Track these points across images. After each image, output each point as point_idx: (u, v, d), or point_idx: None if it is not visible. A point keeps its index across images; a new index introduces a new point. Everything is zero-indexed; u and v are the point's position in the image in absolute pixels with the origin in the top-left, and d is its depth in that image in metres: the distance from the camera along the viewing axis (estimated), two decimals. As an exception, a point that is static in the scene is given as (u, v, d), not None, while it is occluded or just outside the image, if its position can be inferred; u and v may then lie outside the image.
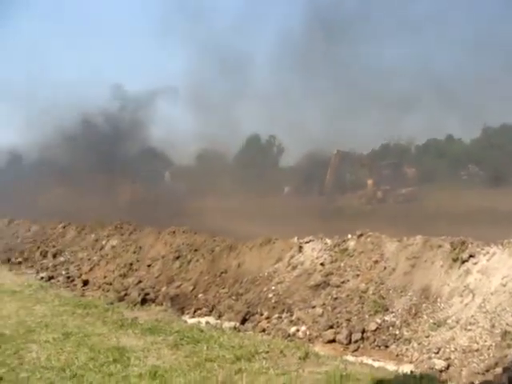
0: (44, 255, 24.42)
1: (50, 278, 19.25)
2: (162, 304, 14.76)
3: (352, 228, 14.86)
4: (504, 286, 9.81)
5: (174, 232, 19.28)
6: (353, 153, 55.83)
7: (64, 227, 27.48)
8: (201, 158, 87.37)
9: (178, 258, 17.34)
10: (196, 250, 17.16)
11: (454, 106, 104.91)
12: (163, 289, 15.96)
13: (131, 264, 18.76)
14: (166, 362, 8.19)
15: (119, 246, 20.65)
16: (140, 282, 16.95)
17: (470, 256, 10.96)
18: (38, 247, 26.05)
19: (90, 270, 19.72)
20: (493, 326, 9.23)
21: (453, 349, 9.36)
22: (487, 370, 8.35)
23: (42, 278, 18.98)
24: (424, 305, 10.91)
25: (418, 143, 79.35)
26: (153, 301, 15.20)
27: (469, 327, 9.55)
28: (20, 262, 24.41)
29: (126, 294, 15.69)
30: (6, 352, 8.90)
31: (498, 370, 8.22)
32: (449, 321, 10.10)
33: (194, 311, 14.21)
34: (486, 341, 9.08)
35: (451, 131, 78.75)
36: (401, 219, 29.62)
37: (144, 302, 14.91)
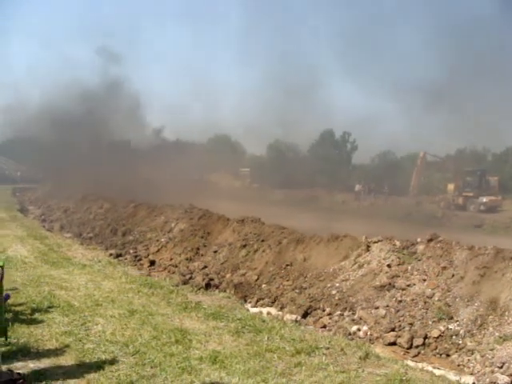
0: (114, 233, 25.07)
1: (119, 255, 19.71)
2: (225, 290, 14.90)
3: (424, 231, 14.62)
4: None
5: (242, 220, 19.40)
6: (437, 156, 54.87)
7: (135, 207, 28.08)
8: (272, 148, 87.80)
9: (244, 246, 17.45)
10: (263, 241, 17.22)
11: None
12: (227, 276, 16.11)
13: (198, 248, 19.01)
14: (226, 348, 8.25)
15: (187, 230, 20.91)
16: (205, 267, 17.16)
17: (544, 270, 10.62)
18: (109, 224, 26.75)
19: (158, 251, 20.08)
20: (562, 345, 8.93)
21: (518, 364, 9.09)
22: (554, 389, 8.07)
23: (110, 254, 19.43)
24: (491, 317, 10.62)
25: (496, 151, 77.23)
26: (217, 286, 15.37)
27: (537, 344, 9.25)
28: (91, 238, 25.14)
29: (190, 278, 15.94)
30: (74, 322, 9.16)
31: None
32: (516, 335, 9.81)
33: (257, 301, 14.28)
34: (554, 359, 8.79)
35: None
36: (477, 227, 28.93)
37: (208, 286, 15.10)
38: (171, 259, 18.67)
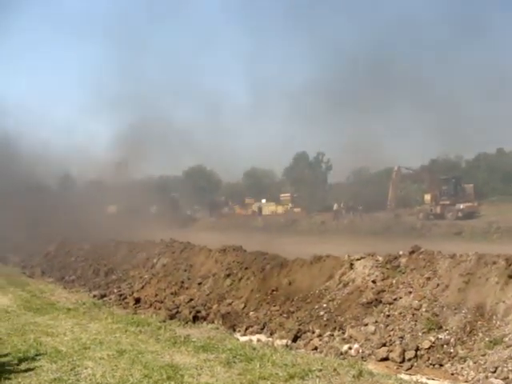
0: (96, 273, 24.85)
1: (103, 295, 19.56)
2: (213, 322, 14.81)
3: (405, 244, 14.71)
4: (562, 302, 9.56)
5: (224, 250, 19.37)
6: (411, 168, 55.42)
7: (115, 246, 27.92)
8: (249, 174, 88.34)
9: (228, 275, 17.41)
10: (246, 268, 17.20)
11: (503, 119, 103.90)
12: (214, 306, 16.03)
13: (182, 282, 18.91)
14: (219, 380, 8.18)
15: (170, 264, 20.86)
16: (191, 299, 17.05)
17: (527, 272, 10.73)
18: (91, 265, 26.53)
19: (142, 287, 19.92)
20: (552, 344, 9.01)
21: (511, 368, 9.14)
22: (547, 390, 8.12)
23: (94, 295, 19.30)
24: (479, 322, 10.70)
25: (468, 158, 78.24)
26: (204, 318, 15.26)
27: (527, 345, 9.33)
28: (73, 280, 24.87)
29: (177, 312, 15.79)
30: (63, 368, 9.02)
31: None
32: (505, 339, 9.88)
33: (246, 329, 14.21)
34: (545, 359, 8.86)
35: (502, 144, 77.45)
36: (457, 235, 29.23)
37: (195, 319, 14.99)
38: (156, 295, 18.51)
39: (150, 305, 17.77)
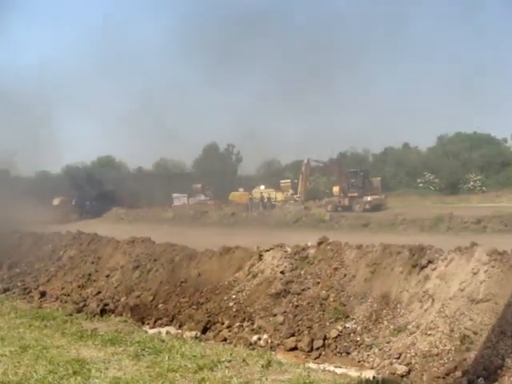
0: (-1, 267, 23.92)
1: (6, 289, 18.89)
2: (121, 314, 14.60)
3: (314, 236, 14.97)
4: (462, 291, 9.98)
5: (132, 242, 19.08)
6: (320, 161, 56.14)
7: (20, 238, 26.94)
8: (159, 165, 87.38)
9: (137, 267, 17.16)
10: (155, 260, 17.01)
11: (409, 115, 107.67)
12: (122, 299, 15.77)
13: (89, 274, 18.48)
14: (127, 374, 8.06)
15: (77, 257, 20.33)
16: (99, 292, 16.71)
17: (429, 262, 11.16)
18: (-7, 259, 25.48)
19: (48, 281, 19.35)
20: (452, 331, 9.40)
21: (413, 354, 9.50)
22: (447, 374, 8.48)
23: (-4, 290, 18.60)
24: (384, 311, 11.05)
25: (375, 152, 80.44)
26: (112, 311, 15.02)
27: (429, 332, 9.70)
28: (-27, 276, 23.83)
29: (84, 305, 15.46)
30: (-38, 367, 8.66)
31: (458, 373, 8.36)
32: (409, 326, 10.25)
33: (155, 321, 14.11)
34: (445, 345, 9.24)
35: (407, 139, 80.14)
36: (364, 226, 29.95)
37: (103, 312, 14.74)
38: (63, 288, 18.04)
39: (56, 298, 17.32)
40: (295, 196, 52.87)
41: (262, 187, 57.34)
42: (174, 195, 67.75)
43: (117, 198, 61.02)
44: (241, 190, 57.33)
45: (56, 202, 58.54)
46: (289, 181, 59.54)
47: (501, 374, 8.13)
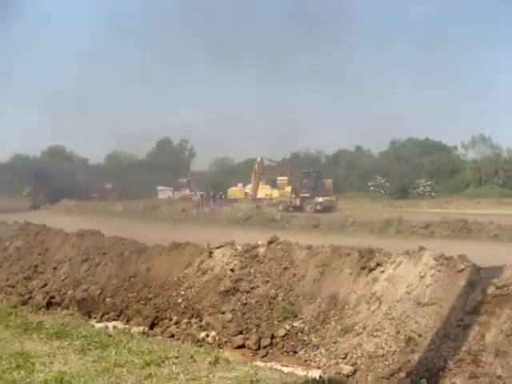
0: None
1: None
2: (68, 308, 14.43)
3: (264, 234, 15.04)
4: (409, 293, 10.18)
5: (82, 234, 18.85)
6: (273, 160, 56.21)
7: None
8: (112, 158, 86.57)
9: (85, 260, 16.96)
10: (104, 254, 16.84)
11: (363, 118, 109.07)
12: (70, 292, 15.58)
13: (36, 266, 18.18)
14: (72, 368, 7.95)
15: (24, 248, 19.97)
16: (45, 285, 16.47)
17: (378, 265, 11.34)
18: None
19: (-8, 271, 18.98)
20: (398, 333, 9.57)
21: (359, 354, 9.64)
22: (392, 375, 8.63)
23: None
24: (332, 311, 11.18)
25: (328, 153, 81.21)
26: (59, 304, 14.83)
27: (375, 333, 9.86)
28: None
29: (30, 298, 15.23)
30: None
31: (402, 374, 8.52)
32: (356, 327, 10.40)
33: (102, 315, 13.98)
34: (391, 346, 9.41)
35: (361, 143, 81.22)
36: (314, 227, 30.15)
37: (49, 305, 14.54)
38: (7, 279, 17.72)
39: (1, 290, 17.00)
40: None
41: (240, 185, 56.94)
42: (159, 188, 67.12)
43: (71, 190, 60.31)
44: (240, 185, 56.87)
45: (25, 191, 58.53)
46: (285, 178, 59.57)
47: (443, 375, 8.30)
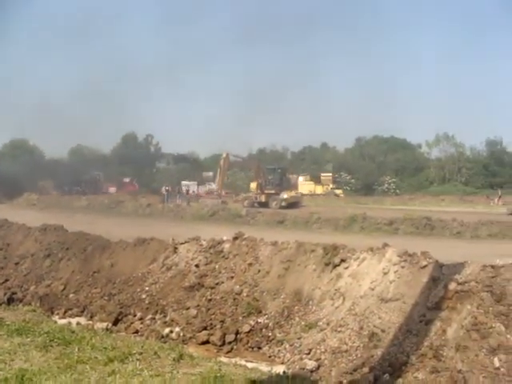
0: None
1: None
2: (30, 304, 14.23)
3: (230, 230, 15.03)
4: (372, 289, 10.28)
5: (44, 229, 18.63)
6: (239, 156, 56.20)
7: None
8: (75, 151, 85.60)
9: (48, 256, 16.78)
10: (68, 249, 16.68)
11: (330, 115, 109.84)
12: (32, 288, 15.40)
13: (-3, 262, 17.93)
14: (34, 365, 7.83)
15: (-16, 243, 19.66)
16: (6, 280, 16.26)
17: (342, 261, 11.43)
18: None
19: (-50, 267, 18.62)
20: (361, 328, 9.66)
21: (323, 350, 9.70)
22: (355, 370, 8.70)
23: None
24: (296, 307, 11.24)
25: (294, 150, 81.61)
26: (20, 300, 14.65)
27: (339, 329, 9.94)
28: None
29: (-10, 293, 15.01)
30: None
31: (365, 369, 8.60)
32: (320, 323, 10.46)
33: (65, 311, 13.84)
34: (354, 342, 9.49)
35: (326, 139, 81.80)
36: (280, 223, 30.21)
37: (10, 301, 14.38)
38: (-33, 275, 17.42)
39: (-41, 285, 16.70)
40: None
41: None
42: (183, 183, 66.15)
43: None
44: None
45: None
46: (330, 174, 58.82)
47: (405, 370, 8.40)
